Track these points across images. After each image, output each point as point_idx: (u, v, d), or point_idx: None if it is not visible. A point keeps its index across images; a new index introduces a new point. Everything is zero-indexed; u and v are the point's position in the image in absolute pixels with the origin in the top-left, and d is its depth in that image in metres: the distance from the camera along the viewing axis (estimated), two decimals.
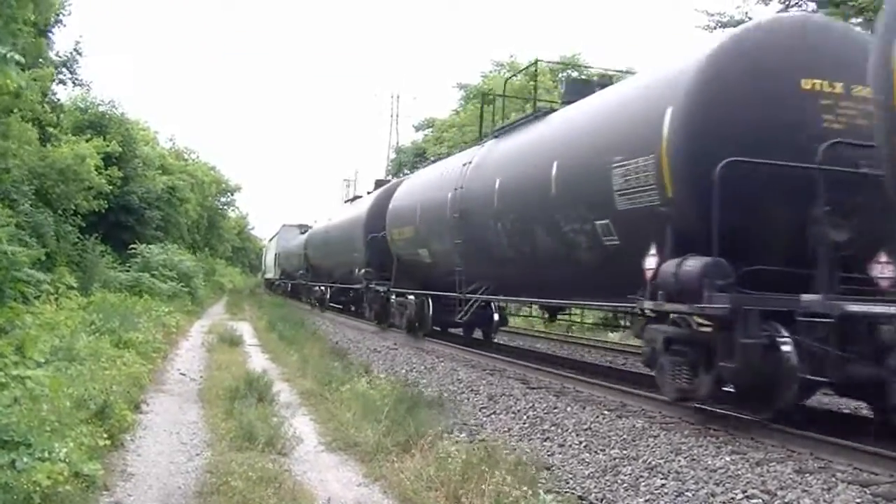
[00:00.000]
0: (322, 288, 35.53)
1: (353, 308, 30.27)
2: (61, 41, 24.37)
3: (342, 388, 10.89)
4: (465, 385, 12.22)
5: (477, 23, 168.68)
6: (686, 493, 6.34)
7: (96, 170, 21.76)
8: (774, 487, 6.22)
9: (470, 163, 15.60)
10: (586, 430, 8.73)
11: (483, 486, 6.11)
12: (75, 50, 23.48)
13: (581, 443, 8.25)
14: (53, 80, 20.99)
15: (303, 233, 43.47)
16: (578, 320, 24.17)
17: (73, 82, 24.13)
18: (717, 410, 8.57)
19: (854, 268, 8.19)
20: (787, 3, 22.83)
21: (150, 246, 28.93)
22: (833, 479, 6.36)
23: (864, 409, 9.07)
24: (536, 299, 15.48)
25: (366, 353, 17.37)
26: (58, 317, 13.23)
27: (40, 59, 19.45)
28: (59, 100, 24.68)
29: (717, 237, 7.88)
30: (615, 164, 9.69)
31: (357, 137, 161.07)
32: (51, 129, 20.98)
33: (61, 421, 6.72)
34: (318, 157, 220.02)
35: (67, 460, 5.62)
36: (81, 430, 6.85)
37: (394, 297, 21.01)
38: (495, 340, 18.57)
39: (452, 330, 19.36)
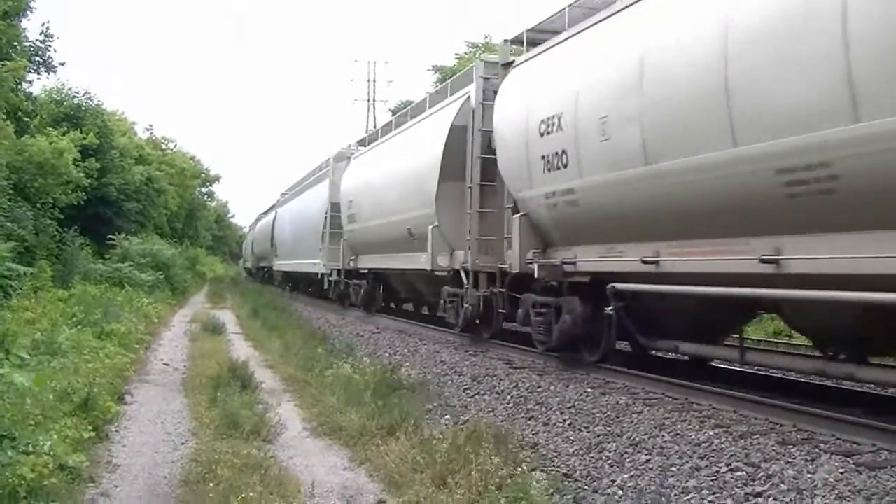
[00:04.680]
0: None
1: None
2: (32, 29, 23.61)
3: (326, 373, 10.90)
4: (448, 367, 12.25)
5: (451, 2, 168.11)
6: (671, 468, 6.37)
7: (74, 163, 21.57)
8: (758, 460, 6.26)
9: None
10: (570, 408, 8.76)
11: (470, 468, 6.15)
12: (43, 34, 22.94)
13: (565, 421, 8.28)
14: (27, 69, 20.62)
15: None
16: None
17: (46, 68, 23.66)
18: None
19: None
20: None
21: (129, 237, 28.76)
22: (816, 451, 6.40)
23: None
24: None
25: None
26: (37, 310, 13.16)
27: (13, 47, 19.21)
28: (31, 92, 24.38)
29: None
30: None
31: (335, 121, 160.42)
32: (27, 119, 20.71)
33: (45, 414, 6.70)
34: (296, 144, 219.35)
35: (52, 453, 5.61)
36: (66, 422, 6.84)
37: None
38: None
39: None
